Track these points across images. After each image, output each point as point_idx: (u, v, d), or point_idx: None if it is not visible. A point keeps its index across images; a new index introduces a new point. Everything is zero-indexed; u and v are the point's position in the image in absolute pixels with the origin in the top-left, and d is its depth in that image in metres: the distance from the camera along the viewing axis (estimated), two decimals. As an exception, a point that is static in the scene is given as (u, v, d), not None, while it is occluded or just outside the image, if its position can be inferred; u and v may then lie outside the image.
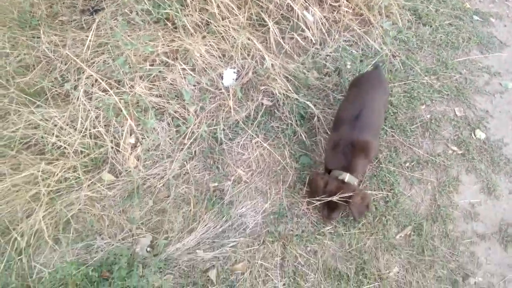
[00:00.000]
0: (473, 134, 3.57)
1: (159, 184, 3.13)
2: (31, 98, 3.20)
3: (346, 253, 2.96)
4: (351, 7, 3.93)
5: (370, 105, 2.72)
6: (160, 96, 3.29)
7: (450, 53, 4.11)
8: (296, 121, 3.41)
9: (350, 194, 2.60)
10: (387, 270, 2.93)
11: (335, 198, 2.61)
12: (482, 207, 3.24)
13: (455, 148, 3.47)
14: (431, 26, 4.26)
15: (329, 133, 3.23)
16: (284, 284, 2.82)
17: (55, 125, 3.08)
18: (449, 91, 3.78)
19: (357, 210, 2.70)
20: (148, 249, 2.88)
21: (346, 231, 3.03)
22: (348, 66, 3.77)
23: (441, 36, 4.18)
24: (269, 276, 2.83)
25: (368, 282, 2.85)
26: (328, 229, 3.03)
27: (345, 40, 3.93)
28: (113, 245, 2.90)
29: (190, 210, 3.01)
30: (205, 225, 2.96)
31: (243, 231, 2.98)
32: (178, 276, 2.80)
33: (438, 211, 3.17)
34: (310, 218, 3.07)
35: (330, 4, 3.88)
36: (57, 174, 2.95)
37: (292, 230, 3.01)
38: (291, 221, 3.04)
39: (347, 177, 2.63)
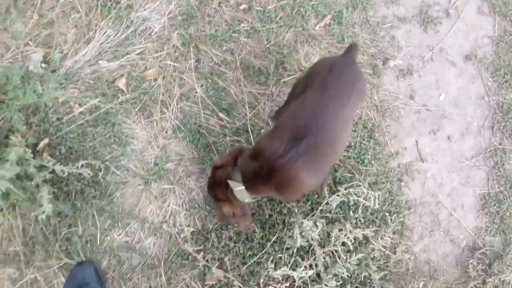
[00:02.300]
0: None
1: (40, -6, 3.01)
2: None
3: (265, 49, 3.17)
4: None
5: (330, 127, 1.99)
6: None
7: None
8: None
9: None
10: (307, 62, 3.21)
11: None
12: (403, -11, 3.49)
13: None
14: None
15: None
16: (201, 86, 3.03)
17: None
18: None
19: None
20: (43, 65, 2.90)
21: (263, 26, 3.19)
22: None
23: None
24: (184, 79, 3.02)
25: (288, 75, 3.13)
26: (244, 26, 3.17)
27: None
28: (1, 66, 2.87)
29: (81, 17, 2.98)
30: (104, 33, 2.98)
31: (149, 36, 3.05)
32: (84, 89, 2.90)
33: (359, -4, 3.38)
34: (223, 16, 3.17)
35: None
36: None
37: (204, 30, 3.12)
38: (202, 21, 3.13)
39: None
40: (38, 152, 2.68)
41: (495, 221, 3.18)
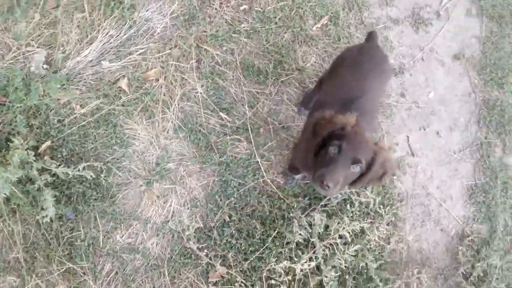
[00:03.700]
0: None
1: (43, -7, 2.39)
2: None
3: (264, 49, 2.59)
4: None
5: (369, 97, 1.80)
6: None
7: None
8: None
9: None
10: (305, 62, 2.63)
11: None
12: (396, -9, 2.89)
13: None
14: None
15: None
16: (202, 85, 2.46)
17: None
18: None
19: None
20: (45, 66, 2.31)
21: (263, 26, 2.60)
22: None
23: None
24: (185, 79, 2.44)
25: (286, 74, 2.56)
26: (244, 26, 2.58)
27: None
28: (1, 67, 2.28)
29: (85, 17, 2.37)
30: (107, 34, 2.38)
31: (152, 37, 2.46)
32: (85, 90, 2.32)
33: (355, -2, 2.79)
34: (224, 17, 2.57)
35: None
36: None
37: (205, 30, 2.53)
38: (204, 21, 2.53)
39: None
40: (40, 155, 2.12)
41: (481, 210, 2.69)
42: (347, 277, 2.31)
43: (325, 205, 2.36)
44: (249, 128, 2.41)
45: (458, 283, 2.55)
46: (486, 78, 2.90)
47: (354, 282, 2.32)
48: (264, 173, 2.37)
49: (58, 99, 2.23)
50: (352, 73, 1.86)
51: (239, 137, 2.39)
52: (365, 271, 2.38)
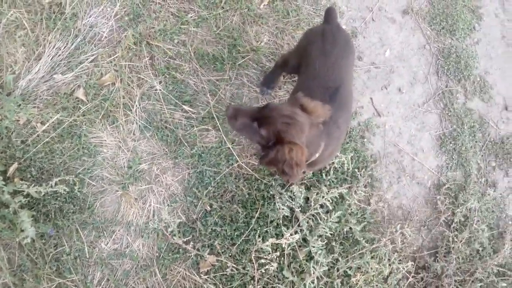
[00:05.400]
0: None
1: (-21, 16, 2.50)
2: None
3: (215, 35, 2.77)
4: None
5: (347, 82, 2.02)
6: None
7: None
8: None
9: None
10: (258, 41, 2.83)
11: None
12: (337, -44, 3.10)
13: None
14: None
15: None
16: (160, 82, 2.63)
17: None
18: None
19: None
20: (-3, 90, 2.43)
21: (210, 13, 2.78)
22: None
23: None
24: (142, 78, 2.60)
25: (242, 57, 2.75)
26: (191, 16, 2.75)
27: None
28: (-49, 98, 2.39)
29: (28, 34, 2.50)
30: (53, 47, 2.52)
31: (100, 42, 2.61)
32: (43, 107, 2.47)
33: (297, -31, 2.99)
34: (169, 10, 2.74)
35: None
36: None
37: (153, 26, 2.69)
38: (150, 18, 2.69)
39: None
40: (9, 179, 2.26)
41: (453, 157, 2.97)
42: (334, 243, 2.55)
43: (302, 178, 2.58)
44: (215, 116, 2.61)
45: (441, 232, 2.84)
46: (438, 27, 3.17)
47: (342, 247, 2.57)
48: (237, 157, 2.57)
49: (17, 120, 2.36)
50: (323, 63, 1.98)
51: (206, 126, 2.59)
52: (351, 235, 2.64)
